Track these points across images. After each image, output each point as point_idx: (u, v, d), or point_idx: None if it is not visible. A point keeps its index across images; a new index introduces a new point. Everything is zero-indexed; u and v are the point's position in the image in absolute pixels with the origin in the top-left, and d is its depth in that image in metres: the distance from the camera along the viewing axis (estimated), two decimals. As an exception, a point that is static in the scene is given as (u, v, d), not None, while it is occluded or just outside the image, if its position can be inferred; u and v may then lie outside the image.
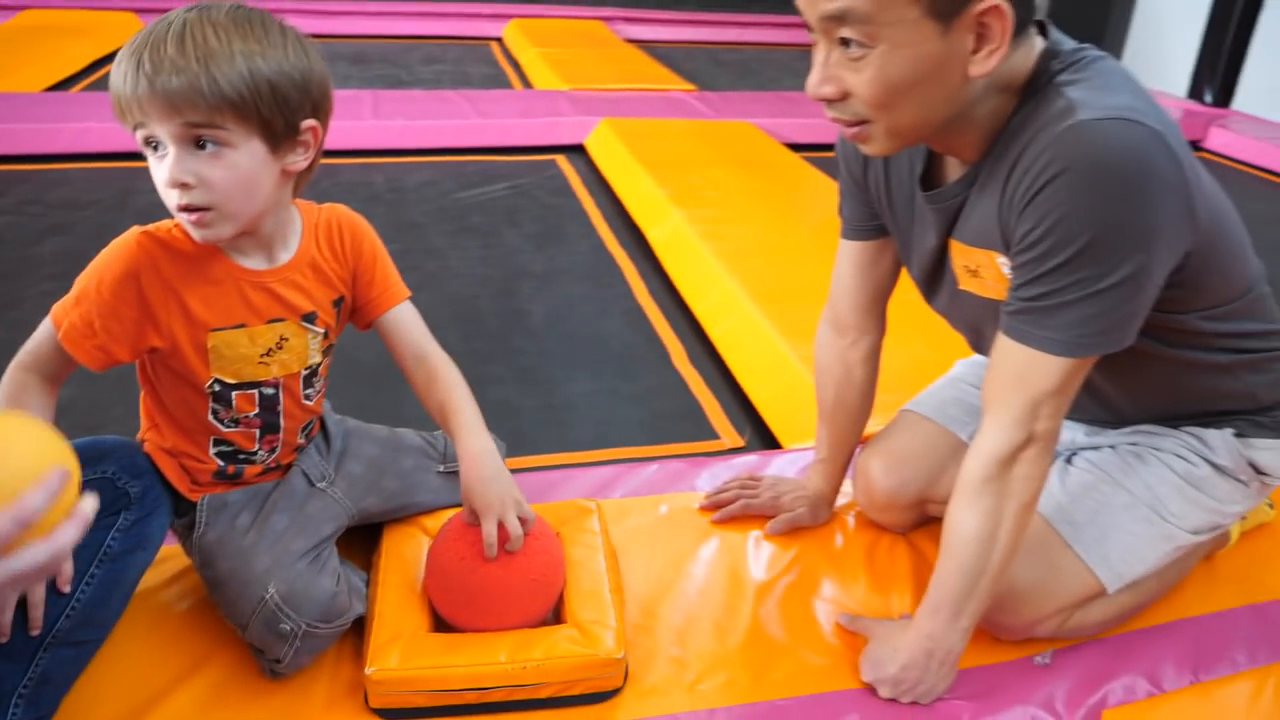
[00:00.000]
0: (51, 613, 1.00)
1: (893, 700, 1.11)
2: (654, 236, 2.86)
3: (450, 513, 1.25)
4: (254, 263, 1.09)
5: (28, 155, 3.45)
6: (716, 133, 3.89)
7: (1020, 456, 1.01)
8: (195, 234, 1.02)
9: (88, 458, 1.08)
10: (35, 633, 0.98)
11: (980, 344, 1.24)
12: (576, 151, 3.93)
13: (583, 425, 1.93)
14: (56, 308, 1.05)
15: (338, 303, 1.17)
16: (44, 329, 1.05)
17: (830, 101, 0.97)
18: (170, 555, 1.24)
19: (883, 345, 1.35)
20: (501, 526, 1.09)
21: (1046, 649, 1.19)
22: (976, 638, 1.14)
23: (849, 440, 1.40)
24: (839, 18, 0.90)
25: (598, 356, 2.23)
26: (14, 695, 0.98)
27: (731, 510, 1.42)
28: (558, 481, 1.50)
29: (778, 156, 3.62)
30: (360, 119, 3.79)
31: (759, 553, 1.36)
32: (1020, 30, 0.93)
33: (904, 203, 1.18)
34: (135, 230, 1.06)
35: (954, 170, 1.10)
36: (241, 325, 1.09)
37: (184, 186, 0.97)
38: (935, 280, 1.20)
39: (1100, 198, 0.91)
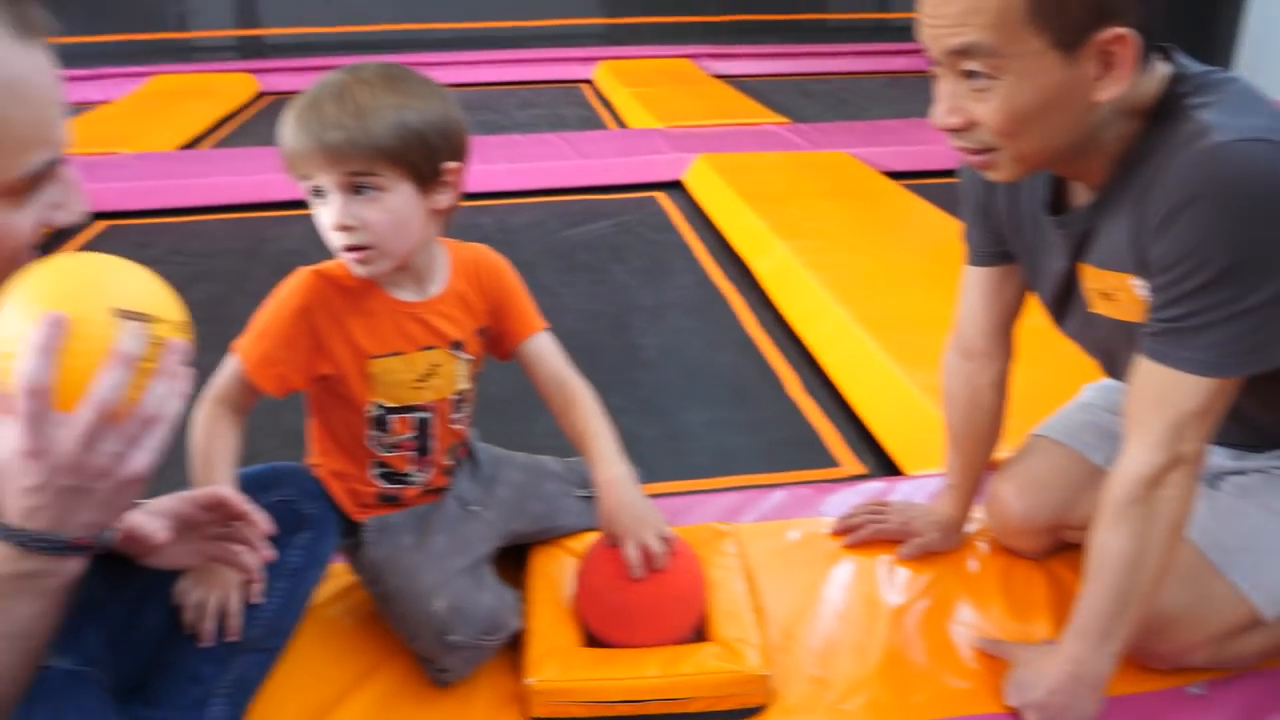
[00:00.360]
0: (246, 621, 1.09)
1: (1039, 724, 1.11)
2: (759, 268, 2.91)
3: (593, 536, 1.30)
4: (408, 295, 1.19)
5: (168, 209, 3.70)
6: (813, 164, 3.92)
7: (1166, 479, 1.01)
8: (358, 270, 1.12)
9: (266, 483, 1.19)
10: (232, 639, 1.07)
11: (1113, 367, 1.25)
12: (675, 188, 4.01)
13: (703, 454, 1.97)
14: (238, 344, 1.16)
15: (482, 332, 1.26)
16: (229, 365, 1.16)
17: (955, 131, 1.01)
18: (333, 573, 1.33)
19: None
20: (644, 548, 1.14)
21: (1201, 679, 1.17)
22: (1126, 666, 1.12)
23: (979, 465, 1.41)
24: (964, 52, 0.93)
25: (712, 387, 2.28)
26: (215, 695, 1.06)
27: (862, 535, 1.45)
28: (684, 508, 1.54)
29: (877, 185, 3.63)
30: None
31: (892, 577, 1.38)
32: (1146, 56, 0.95)
33: (1030, 228, 1.19)
34: (306, 270, 1.17)
35: (1081, 194, 1.11)
36: (398, 353, 1.18)
37: (347, 229, 1.07)
38: (1065, 304, 1.21)
39: (1241, 220, 0.92)
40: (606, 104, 6.18)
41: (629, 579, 1.14)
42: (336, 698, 1.15)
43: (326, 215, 1.08)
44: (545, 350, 1.30)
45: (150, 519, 0.92)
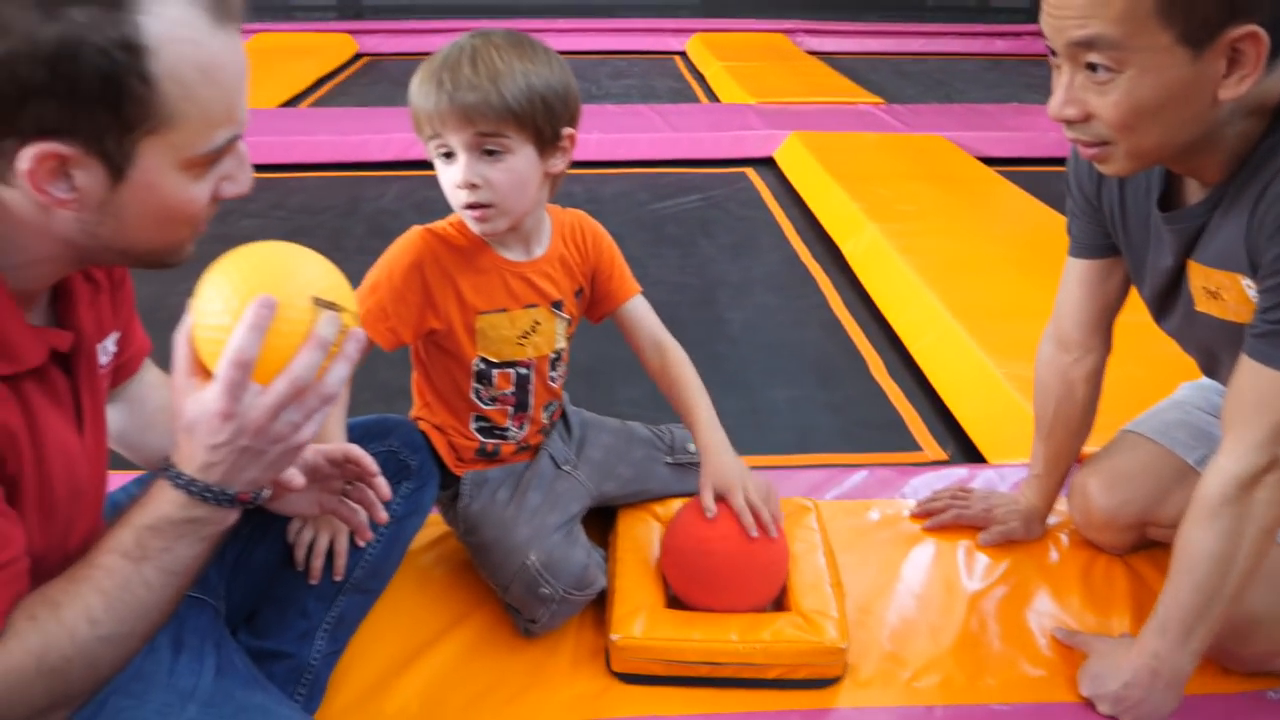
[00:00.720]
0: (350, 562, 1.16)
1: (1112, 718, 1.12)
2: (848, 249, 2.90)
3: (679, 502, 1.34)
4: (514, 255, 1.24)
5: (270, 164, 3.83)
6: (907, 146, 3.87)
7: (1263, 480, 1.01)
8: (477, 228, 1.17)
9: (374, 433, 1.25)
10: (338, 578, 1.15)
11: (1213, 367, 1.23)
12: (766, 164, 4.00)
13: (785, 430, 2.00)
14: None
15: (579, 293, 1.32)
16: None
17: (1071, 123, 1.00)
18: (428, 523, 1.39)
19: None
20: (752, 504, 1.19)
21: (1282, 683, 1.17)
22: (1205, 666, 1.12)
23: (1066, 457, 1.40)
24: (1088, 44, 0.93)
25: (796, 365, 2.29)
26: (319, 629, 1.14)
27: (943, 519, 1.46)
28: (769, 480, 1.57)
29: (971, 171, 3.57)
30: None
31: (972, 562, 1.39)
32: (1275, 54, 0.93)
33: (1139, 223, 1.18)
34: (418, 228, 1.23)
35: (1194, 192, 1.10)
36: (503, 309, 1.23)
37: (472, 187, 1.12)
38: (1169, 301, 1.20)
39: None
40: (699, 76, 6.17)
41: (716, 542, 1.18)
42: (428, 641, 1.22)
43: (452, 173, 1.13)
44: (642, 313, 1.35)
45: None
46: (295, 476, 0.95)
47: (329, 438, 1.17)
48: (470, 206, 1.14)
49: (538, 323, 1.26)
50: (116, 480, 1.04)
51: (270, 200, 3.49)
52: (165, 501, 0.79)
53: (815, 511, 1.39)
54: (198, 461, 0.78)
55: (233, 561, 1.12)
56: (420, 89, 1.11)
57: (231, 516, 0.81)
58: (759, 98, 4.88)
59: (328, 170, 3.84)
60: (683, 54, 7.04)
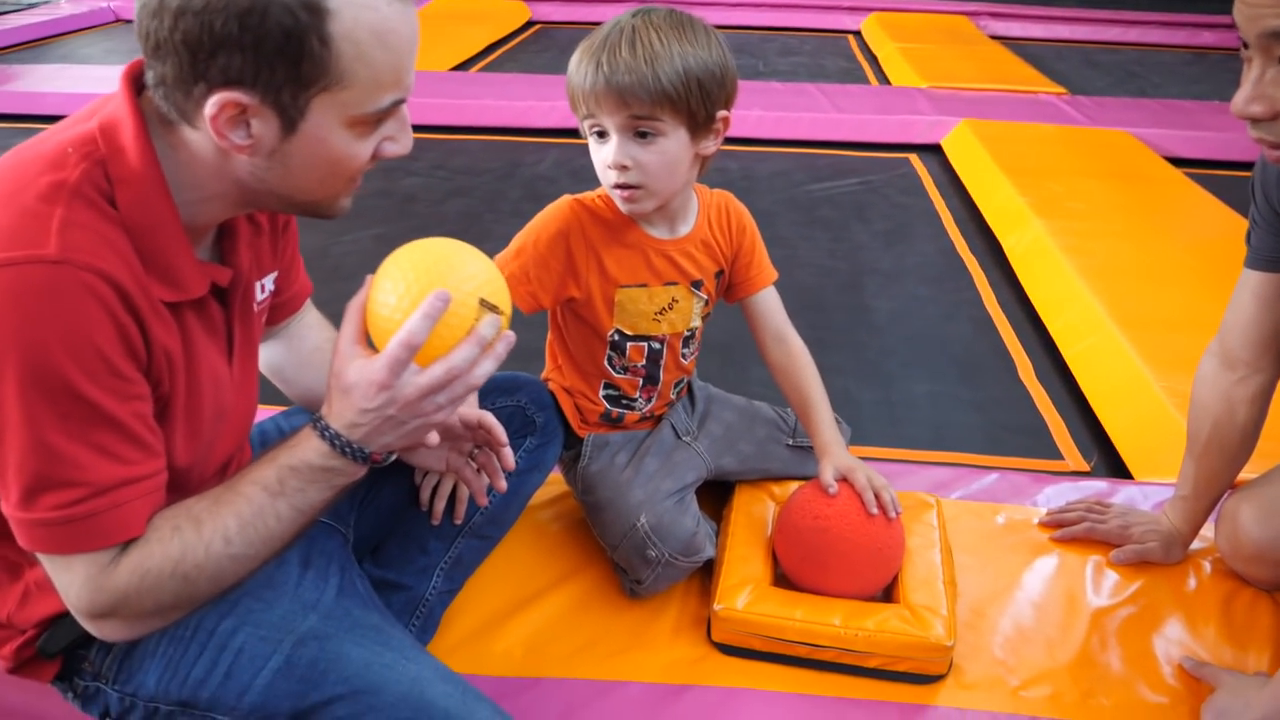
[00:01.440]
0: (471, 509, 1.21)
1: (1234, 756, 1.06)
2: (1009, 245, 2.78)
3: (797, 484, 1.34)
4: (659, 233, 1.25)
5: (436, 125, 3.99)
6: (1087, 140, 3.66)
7: None
8: (624, 208, 1.19)
9: (506, 388, 1.30)
10: (458, 522, 1.21)
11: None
12: (931, 151, 3.87)
13: (920, 425, 1.95)
14: (497, 260, 1.27)
15: (719, 275, 1.32)
16: None
17: (1257, 120, 0.93)
18: (549, 482, 1.44)
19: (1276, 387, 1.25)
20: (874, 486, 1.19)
21: None
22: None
23: (1219, 482, 1.31)
24: None
25: (940, 359, 2.23)
26: (438, 567, 1.21)
27: (1075, 531, 1.40)
28: (895, 474, 1.54)
29: (1157, 170, 3.34)
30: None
31: (1100, 579, 1.33)
32: None
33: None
34: (568, 198, 1.26)
35: None
36: (643, 285, 1.25)
37: (623, 168, 1.14)
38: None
39: None
40: (871, 57, 6.00)
41: (833, 521, 1.17)
42: (538, 591, 1.27)
43: (604, 153, 1.15)
44: (772, 304, 1.35)
45: None
46: (431, 435, 1.02)
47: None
48: (619, 187, 1.16)
49: (675, 300, 1.28)
50: (264, 413, 1.13)
51: (433, 160, 3.64)
52: (309, 448, 0.87)
53: (936, 508, 1.36)
54: (346, 420, 0.86)
55: (363, 496, 1.20)
56: (578, 68, 1.13)
57: (361, 472, 0.89)
58: (931, 81, 4.71)
59: (490, 134, 3.96)
60: (857, 33, 6.86)
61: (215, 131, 0.79)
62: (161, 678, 0.91)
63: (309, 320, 1.22)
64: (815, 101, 4.23)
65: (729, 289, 1.35)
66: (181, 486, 0.91)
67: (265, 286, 1.03)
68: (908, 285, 2.63)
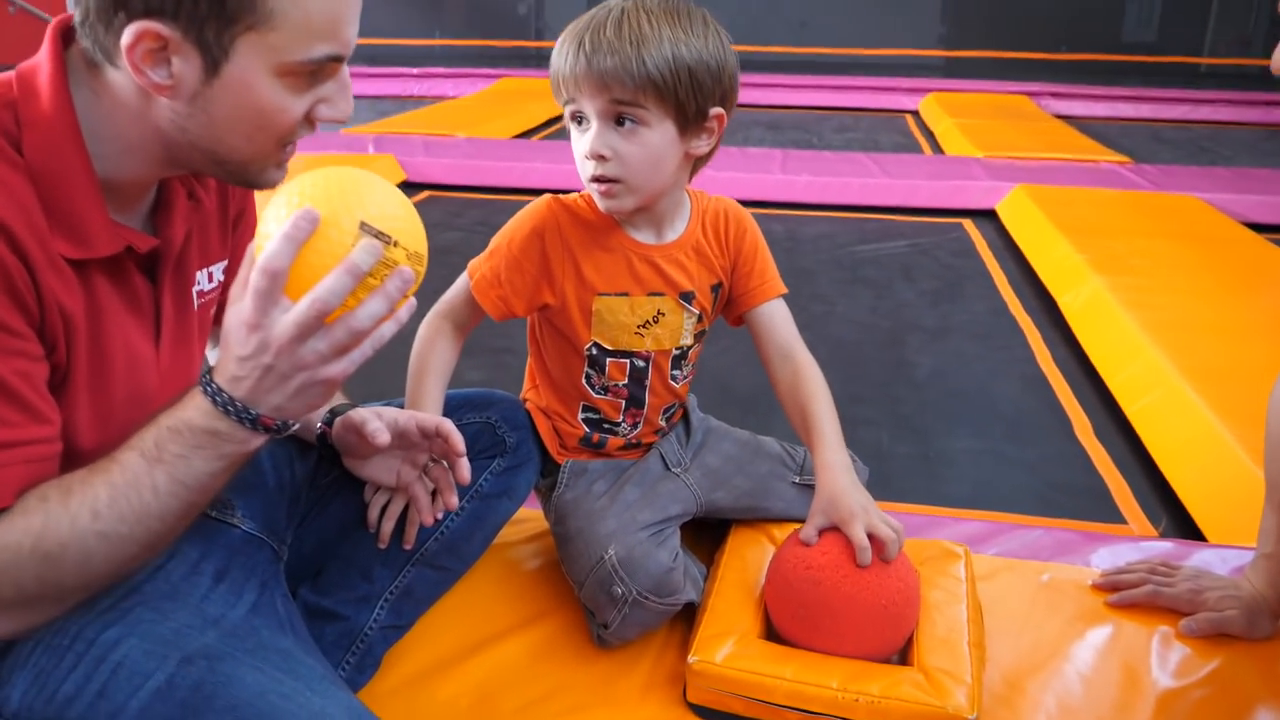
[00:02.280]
0: (424, 533, 1.07)
1: None
2: (1065, 302, 2.58)
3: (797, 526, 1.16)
4: (644, 237, 1.13)
5: (483, 186, 3.99)
6: (1152, 204, 3.46)
7: None
8: (602, 204, 1.07)
9: (476, 404, 1.17)
10: (408, 547, 1.06)
11: None
12: (986, 217, 3.71)
13: (959, 481, 1.75)
14: (472, 262, 1.15)
15: (715, 288, 1.17)
16: (459, 281, 1.16)
17: None
18: (529, 518, 1.29)
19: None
20: (873, 532, 0.99)
21: None
22: None
23: (1310, 536, 1.10)
24: None
25: (984, 416, 2.03)
26: (381, 598, 1.06)
27: (1136, 595, 1.18)
28: (923, 526, 1.35)
29: (1229, 232, 3.12)
30: (768, 173, 3.90)
31: (1167, 652, 1.11)
32: None
33: None
34: (547, 196, 1.14)
35: None
36: (624, 294, 1.12)
37: (600, 158, 1.03)
38: None
39: None
40: (928, 133, 5.91)
41: (829, 571, 0.99)
42: (497, 634, 1.10)
43: (583, 142, 1.04)
44: (779, 317, 1.19)
45: (377, 421, 0.94)
46: (380, 433, 0.91)
47: (422, 405, 1.11)
48: (597, 180, 1.04)
49: (662, 313, 1.14)
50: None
51: (477, 217, 3.61)
52: (192, 407, 0.76)
53: (964, 559, 1.16)
54: (228, 372, 0.75)
55: (305, 510, 1.08)
56: (560, 50, 1.04)
57: (254, 441, 0.77)
58: (987, 151, 4.57)
59: (536, 196, 3.92)
60: (915, 113, 6.79)
61: (132, 66, 0.72)
62: (28, 692, 0.77)
63: None
64: (865, 168, 4.12)
65: (730, 304, 1.20)
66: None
67: (213, 275, 0.95)
68: (953, 342, 2.45)
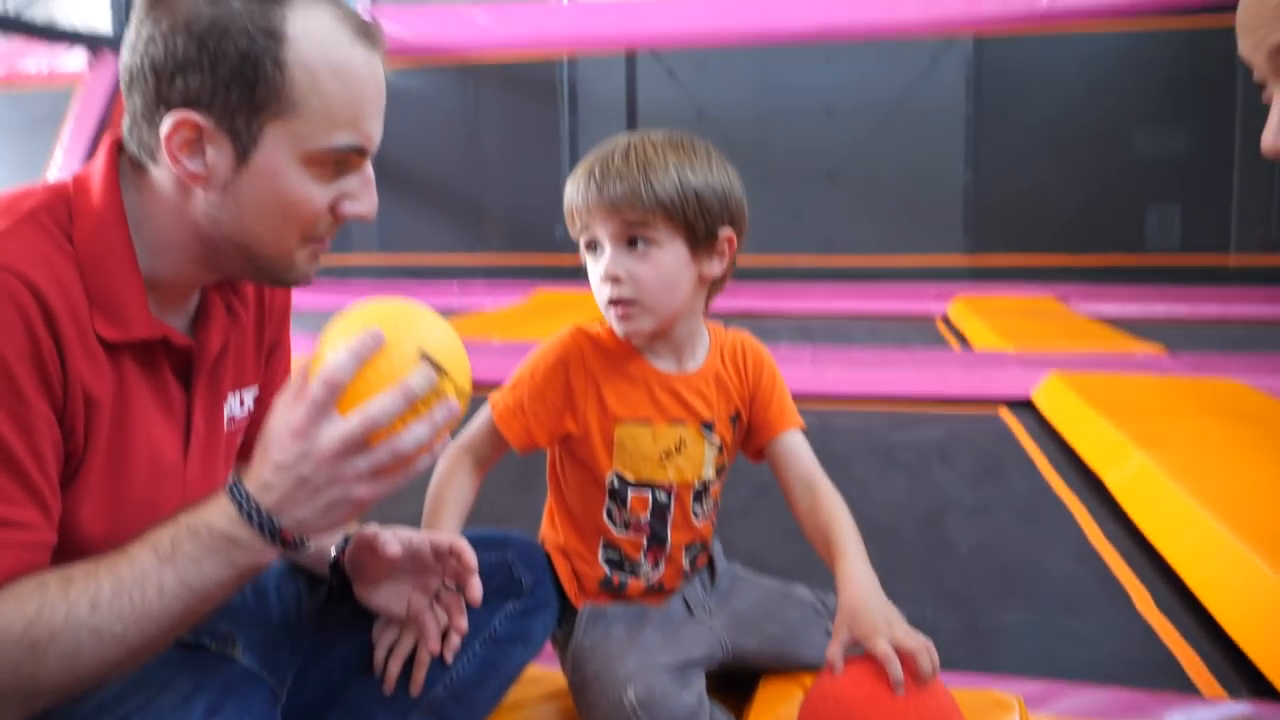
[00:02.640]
0: (432, 677, 1.00)
1: None
2: (1111, 478, 2.50)
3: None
4: (665, 365, 1.13)
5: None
6: (1193, 388, 3.41)
7: None
8: (619, 327, 1.08)
9: (492, 543, 1.13)
10: (415, 692, 0.99)
11: None
12: (1022, 406, 3.67)
13: (1012, 653, 1.63)
14: (493, 395, 1.15)
15: (734, 418, 1.16)
16: (481, 414, 1.16)
17: None
18: (546, 677, 1.21)
19: None
20: (902, 649, 0.91)
21: None
22: None
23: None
24: None
25: (1035, 589, 1.92)
26: None
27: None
28: (970, 683, 1.25)
29: (1277, 411, 3.05)
30: (798, 367, 3.94)
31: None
32: None
33: None
34: (571, 325, 1.16)
35: None
36: (646, 421, 1.10)
37: (615, 280, 1.05)
38: None
39: None
40: (957, 333, 5.98)
41: (863, 702, 0.90)
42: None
43: (597, 269, 1.07)
44: (799, 449, 1.17)
45: (389, 534, 0.92)
46: (390, 543, 0.90)
47: (442, 527, 1.08)
48: (614, 303, 1.07)
49: (683, 442, 1.12)
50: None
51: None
52: (216, 510, 0.75)
53: (1018, 711, 1.06)
54: (260, 478, 0.75)
55: (309, 650, 1.02)
56: (573, 182, 1.09)
57: (269, 554, 0.76)
58: (1019, 346, 4.60)
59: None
60: (944, 317, 6.92)
61: (170, 156, 0.77)
62: None
63: None
64: (896, 362, 4.15)
65: (750, 436, 1.18)
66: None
67: (244, 400, 0.96)
68: (996, 520, 2.36)
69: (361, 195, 0.84)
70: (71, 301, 0.74)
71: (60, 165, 8.24)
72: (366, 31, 0.81)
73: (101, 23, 8.92)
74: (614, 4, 7.89)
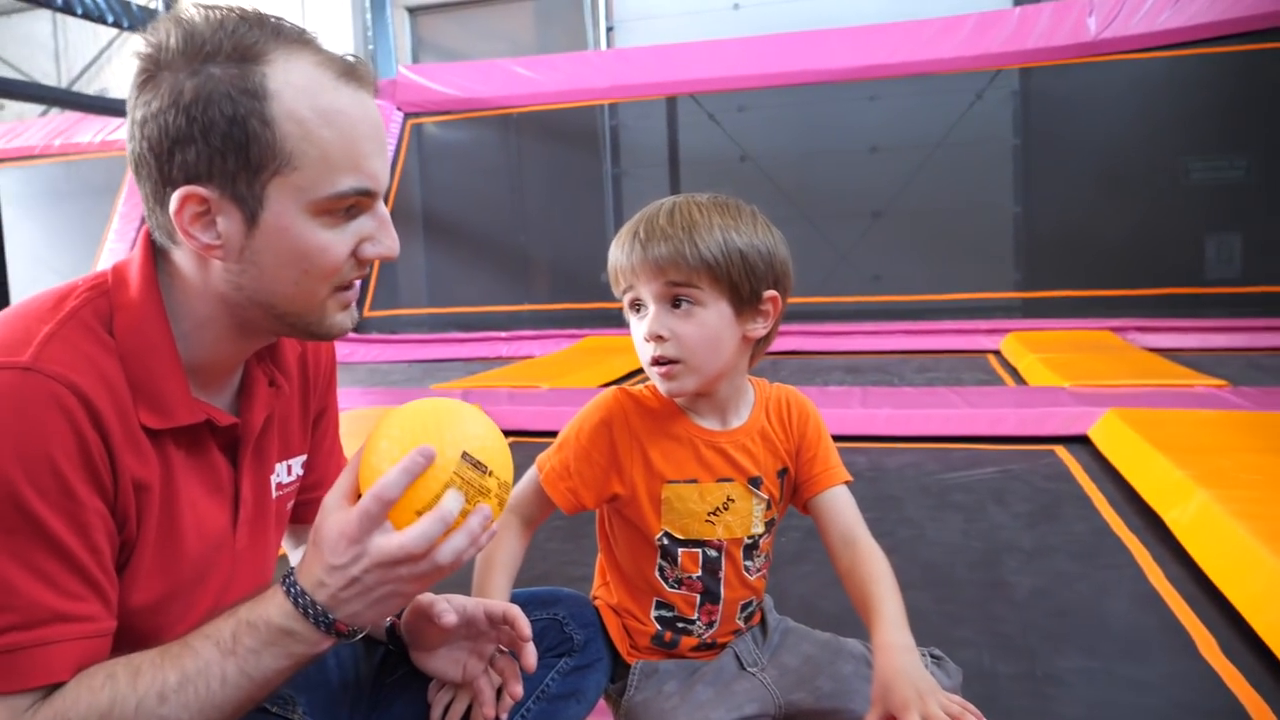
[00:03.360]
0: None
1: None
2: (1173, 519, 2.44)
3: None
4: (709, 424, 1.14)
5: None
6: (1257, 423, 3.32)
7: None
8: (662, 386, 1.10)
9: (544, 601, 1.15)
10: (469, 744, 1.01)
11: None
12: (1078, 442, 3.61)
13: (1073, 703, 1.60)
14: (540, 457, 1.18)
15: (781, 473, 1.17)
16: (527, 476, 1.18)
17: None
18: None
19: None
20: None
21: None
22: None
23: None
24: None
25: (1095, 634, 1.88)
26: None
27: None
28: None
29: (1346, 447, 2.96)
30: (848, 409, 3.92)
31: None
32: None
33: None
34: (614, 388, 1.18)
35: None
36: (693, 480, 1.12)
37: (659, 339, 1.07)
38: None
39: None
40: (1011, 369, 5.90)
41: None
42: None
43: (640, 328, 1.09)
44: (842, 504, 1.17)
45: (445, 603, 0.94)
46: (447, 613, 0.92)
47: (488, 598, 1.10)
48: (657, 361, 1.09)
49: (731, 499, 1.14)
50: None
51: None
52: (273, 605, 0.79)
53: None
54: (314, 577, 0.79)
55: (367, 711, 1.05)
56: (617, 243, 1.11)
57: (324, 644, 0.80)
58: (1074, 381, 4.52)
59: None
60: (996, 352, 6.82)
61: (184, 233, 0.78)
62: None
63: None
64: (948, 400, 4.10)
65: (795, 491, 1.19)
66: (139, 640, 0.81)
67: (292, 469, 0.99)
68: (1054, 562, 2.32)
69: (380, 235, 0.84)
70: (116, 397, 0.77)
71: (116, 230, 8.60)
72: (351, 71, 0.81)
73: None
74: (653, 50, 8.03)
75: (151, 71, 0.77)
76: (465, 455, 0.79)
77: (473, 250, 8.82)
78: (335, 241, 0.82)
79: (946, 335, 7.30)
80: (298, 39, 0.80)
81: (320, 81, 0.79)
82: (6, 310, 0.80)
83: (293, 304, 0.83)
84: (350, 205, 0.82)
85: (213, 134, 0.76)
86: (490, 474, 0.80)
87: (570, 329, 7.99)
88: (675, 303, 1.07)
